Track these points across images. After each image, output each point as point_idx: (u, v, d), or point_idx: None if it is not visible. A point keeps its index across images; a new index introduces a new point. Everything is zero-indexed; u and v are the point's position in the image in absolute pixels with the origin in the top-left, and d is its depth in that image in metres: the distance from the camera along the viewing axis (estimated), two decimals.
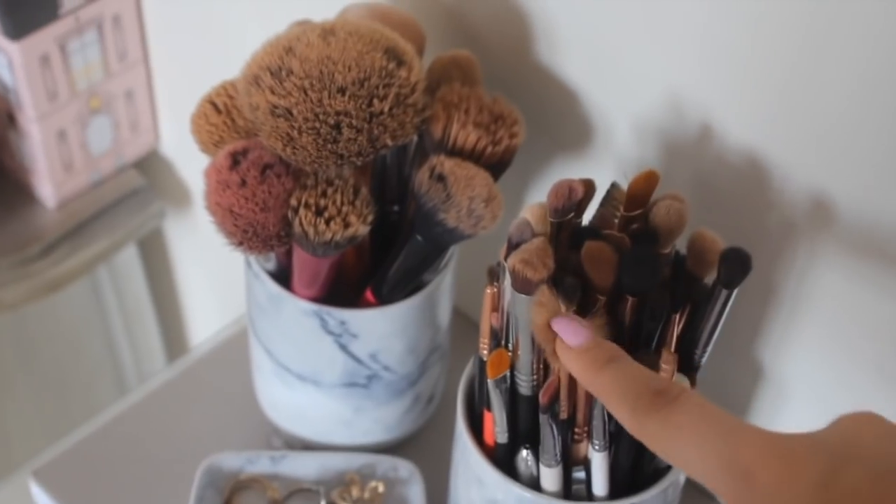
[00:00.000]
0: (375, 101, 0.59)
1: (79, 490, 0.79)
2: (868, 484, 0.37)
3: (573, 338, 0.46)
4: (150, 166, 1.16)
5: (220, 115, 0.65)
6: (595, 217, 0.61)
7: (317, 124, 0.58)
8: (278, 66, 0.59)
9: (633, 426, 0.43)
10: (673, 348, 0.58)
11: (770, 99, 0.60)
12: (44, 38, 0.96)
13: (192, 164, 1.13)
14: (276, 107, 0.59)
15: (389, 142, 0.60)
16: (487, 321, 0.60)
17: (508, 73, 0.72)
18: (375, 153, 0.60)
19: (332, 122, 0.58)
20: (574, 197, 0.58)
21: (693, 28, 0.61)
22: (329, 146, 0.59)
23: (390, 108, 0.59)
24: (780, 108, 0.60)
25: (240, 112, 0.64)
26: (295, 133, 0.58)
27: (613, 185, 0.61)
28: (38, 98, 0.99)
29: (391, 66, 0.60)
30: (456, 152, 0.63)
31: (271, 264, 0.68)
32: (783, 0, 0.56)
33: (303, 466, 0.76)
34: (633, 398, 0.43)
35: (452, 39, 0.74)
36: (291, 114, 0.58)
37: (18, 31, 0.94)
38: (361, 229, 0.61)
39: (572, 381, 0.57)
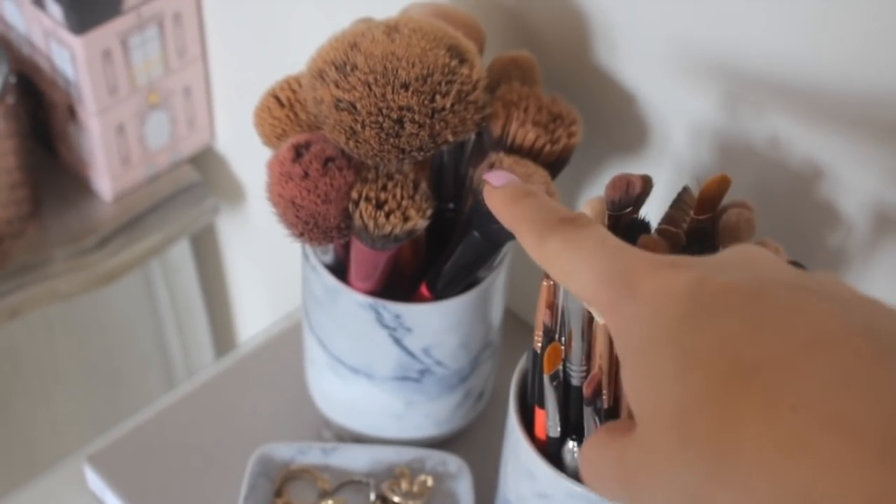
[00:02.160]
0: (438, 97, 0.60)
1: (133, 476, 0.80)
2: (743, 282, 0.37)
3: (497, 179, 0.48)
4: (205, 162, 1.17)
5: (283, 109, 0.66)
6: (665, 218, 0.62)
7: (380, 118, 0.59)
8: (343, 60, 0.60)
9: (537, 248, 0.44)
10: None
11: (832, 104, 0.60)
12: (106, 34, 0.98)
13: (246, 161, 1.14)
14: (340, 101, 0.60)
15: (450, 138, 0.61)
16: (542, 315, 0.61)
17: (566, 73, 0.73)
18: (436, 148, 0.61)
19: (394, 116, 0.59)
20: (632, 191, 0.58)
21: (754, 30, 0.61)
22: (391, 140, 0.60)
23: (452, 105, 0.60)
24: (842, 114, 0.60)
25: (303, 106, 0.66)
26: (358, 127, 0.59)
27: (685, 189, 0.62)
28: (98, 92, 1.01)
29: (454, 63, 0.60)
30: (514, 150, 0.64)
31: (329, 257, 0.69)
32: (846, 3, 0.56)
33: (353, 459, 0.77)
34: (541, 224, 0.44)
35: (512, 40, 0.74)
36: (355, 108, 0.59)
37: (82, 25, 0.96)
38: (420, 223, 0.62)
39: (613, 369, 0.57)
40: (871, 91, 0.58)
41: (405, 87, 0.59)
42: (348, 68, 0.60)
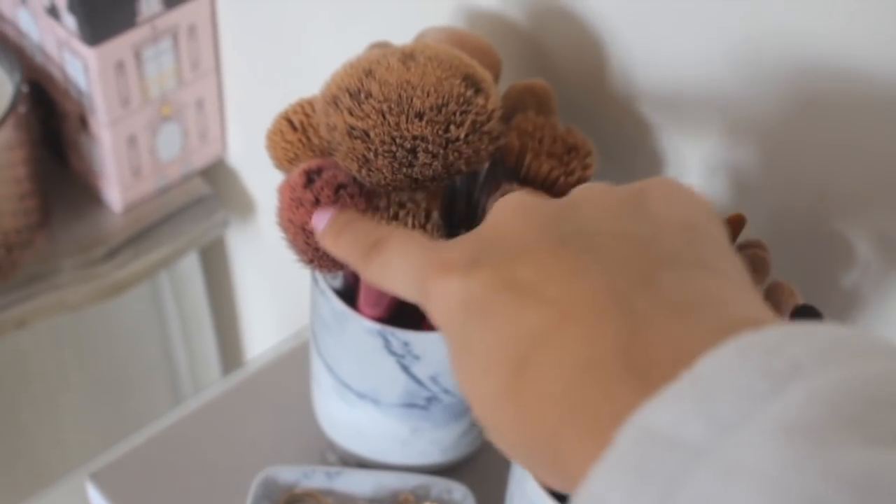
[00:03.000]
0: (452, 127, 0.59)
1: (134, 494, 0.79)
2: (499, 266, 0.41)
3: (318, 224, 0.53)
4: (216, 175, 1.17)
5: (295, 133, 0.66)
6: None
7: (393, 147, 0.59)
8: (357, 87, 0.59)
9: (364, 275, 0.49)
10: None
11: (839, 141, 0.60)
12: (120, 45, 0.97)
13: (257, 175, 1.14)
14: (353, 128, 0.59)
15: (464, 168, 0.60)
16: None
17: (582, 101, 0.72)
18: (449, 178, 0.61)
19: (408, 146, 0.59)
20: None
21: (769, 68, 0.61)
22: (404, 170, 0.59)
23: (466, 135, 0.59)
24: (851, 149, 0.59)
25: (315, 131, 0.65)
26: (371, 155, 0.59)
27: None
28: (111, 103, 1.00)
29: (469, 93, 0.60)
30: (529, 181, 0.63)
31: (338, 282, 0.69)
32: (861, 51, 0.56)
33: (358, 484, 0.76)
34: (358, 256, 0.49)
35: (528, 67, 0.74)
36: (368, 136, 0.59)
37: (96, 37, 0.95)
38: None
39: None
40: (885, 123, 0.57)
41: (419, 116, 0.59)
42: (362, 95, 0.59)
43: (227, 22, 1.03)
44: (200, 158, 1.13)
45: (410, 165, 0.59)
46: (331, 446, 0.81)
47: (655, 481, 0.31)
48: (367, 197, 0.62)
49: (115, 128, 1.02)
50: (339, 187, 0.61)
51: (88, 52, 0.96)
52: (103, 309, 1.14)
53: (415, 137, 0.59)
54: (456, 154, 0.59)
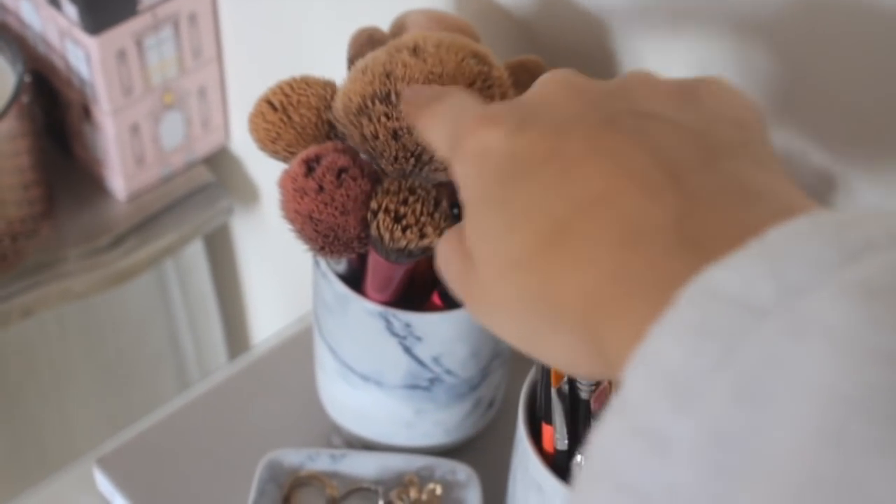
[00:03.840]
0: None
1: (142, 479, 0.80)
2: (549, 132, 0.40)
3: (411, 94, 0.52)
4: (220, 163, 1.17)
5: (276, 113, 0.66)
6: None
7: None
8: (385, 91, 0.59)
9: (420, 129, 0.49)
10: None
11: (846, 116, 0.60)
12: (121, 34, 0.98)
13: (260, 162, 1.14)
14: (398, 130, 0.59)
15: None
16: None
17: None
18: None
19: None
20: None
21: (759, 60, 0.61)
22: None
23: None
24: (857, 127, 0.60)
25: (295, 109, 0.65)
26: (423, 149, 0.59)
27: None
28: (113, 92, 1.01)
29: (485, 69, 0.60)
30: None
31: (342, 267, 0.69)
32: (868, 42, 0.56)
33: (362, 466, 0.77)
34: (419, 106, 0.49)
35: (516, 49, 0.74)
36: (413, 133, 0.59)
37: (97, 25, 0.96)
38: (436, 241, 0.62)
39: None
40: (883, 101, 0.57)
41: None
42: (393, 97, 0.59)
43: (227, 9, 1.03)
44: (203, 146, 1.13)
45: None
46: (335, 429, 0.81)
47: (719, 337, 0.30)
48: (370, 177, 0.62)
49: (117, 116, 1.03)
50: (341, 171, 0.62)
51: (90, 42, 0.97)
52: (109, 297, 1.15)
53: None
54: None
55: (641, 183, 0.36)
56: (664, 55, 0.67)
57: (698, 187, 0.36)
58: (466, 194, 0.41)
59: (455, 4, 0.78)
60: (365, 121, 0.60)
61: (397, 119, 0.59)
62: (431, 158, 0.59)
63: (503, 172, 0.40)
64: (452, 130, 0.43)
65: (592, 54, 0.71)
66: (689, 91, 0.42)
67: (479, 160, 0.41)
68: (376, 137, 0.60)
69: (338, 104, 0.61)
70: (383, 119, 0.59)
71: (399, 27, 0.71)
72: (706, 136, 0.39)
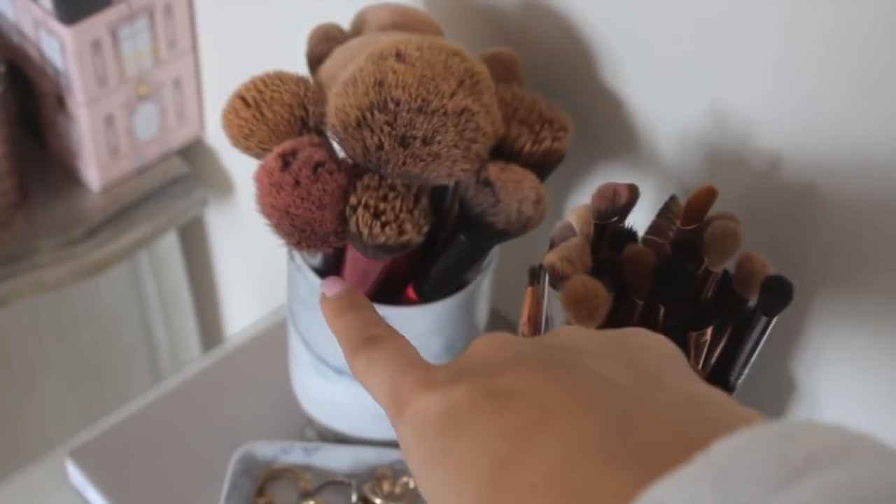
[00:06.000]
0: (482, 97, 0.60)
1: (114, 472, 0.80)
2: (477, 383, 0.41)
3: (329, 289, 0.51)
4: (195, 154, 1.17)
5: (249, 109, 0.65)
6: (651, 227, 0.62)
7: (452, 131, 0.59)
8: (382, 101, 0.59)
9: (350, 364, 0.48)
10: (700, 365, 0.58)
11: (817, 116, 0.60)
12: (96, 24, 0.97)
13: (235, 154, 1.13)
14: (405, 137, 0.59)
15: (502, 130, 0.62)
16: (524, 326, 0.61)
17: (552, 77, 0.73)
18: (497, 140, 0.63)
19: (463, 121, 0.60)
20: (618, 200, 0.58)
21: (740, 40, 0.61)
22: (468, 144, 0.60)
23: (490, 101, 0.61)
24: (829, 129, 0.60)
25: (269, 105, 0.65)
26: (440, 148, 0.59)
27: (672, 198, 0.62)
28: (87, 83, 1.00)
29: (469, 65, 0.61)
30: (498, 147, 0.64)
31: (317, 260, 0.69)
32: (840, 19, 0.56)
33: (336, 459, 0.77)
34: (352, 342, 0.48)
35: (494, 43, 0.74)
36: (420, 137, 0.59)
37: (72, 16, 0.95)
38: (415, 238, 0.62)
39: None
40: (859, 107, 0.58)
41: (452, 95, 0.59)
42: (392, 105, 0.59)
43: (202, 0, 1.03)
44: (178, 138, 1.13)
45: (474, 140, 0.60)
46: (309, 422, 0.81)
47: None
48: (346, 173, 0.62)
49: (92, 107, 1.02)
50: (318, 165, 0.61)
51: (64, 32, 0.96)
52: (82, 288, 1.14)
53: (461, 112, 0.59)
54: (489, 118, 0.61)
55: (576, 402, 0.38)
56: (647, 53, 0.67)
57: (635, 399, 0.37)
58: (411, 458, 0.42)
59: None
60: (367, 133, 0.59)
61: (405, 126, 0.59)
62: (451, 157, 0.60)
63: (442, 426, 0.41)
64: (390, 387, 0.44)
65: (562, 44, 0.71)
66: (616, 334, 0.43)
67: (419, 425, 0.42)
68: (381, 147, 0.59)
69: (333, 120, 0.61)
70: (386, 128, 0.59)
71: (360, 23, 0.71)
72: (637, 363, 0.40)
